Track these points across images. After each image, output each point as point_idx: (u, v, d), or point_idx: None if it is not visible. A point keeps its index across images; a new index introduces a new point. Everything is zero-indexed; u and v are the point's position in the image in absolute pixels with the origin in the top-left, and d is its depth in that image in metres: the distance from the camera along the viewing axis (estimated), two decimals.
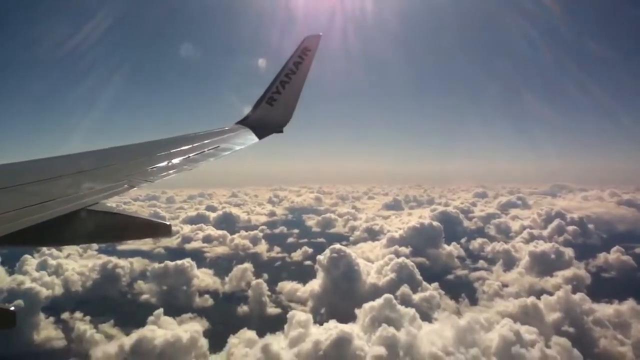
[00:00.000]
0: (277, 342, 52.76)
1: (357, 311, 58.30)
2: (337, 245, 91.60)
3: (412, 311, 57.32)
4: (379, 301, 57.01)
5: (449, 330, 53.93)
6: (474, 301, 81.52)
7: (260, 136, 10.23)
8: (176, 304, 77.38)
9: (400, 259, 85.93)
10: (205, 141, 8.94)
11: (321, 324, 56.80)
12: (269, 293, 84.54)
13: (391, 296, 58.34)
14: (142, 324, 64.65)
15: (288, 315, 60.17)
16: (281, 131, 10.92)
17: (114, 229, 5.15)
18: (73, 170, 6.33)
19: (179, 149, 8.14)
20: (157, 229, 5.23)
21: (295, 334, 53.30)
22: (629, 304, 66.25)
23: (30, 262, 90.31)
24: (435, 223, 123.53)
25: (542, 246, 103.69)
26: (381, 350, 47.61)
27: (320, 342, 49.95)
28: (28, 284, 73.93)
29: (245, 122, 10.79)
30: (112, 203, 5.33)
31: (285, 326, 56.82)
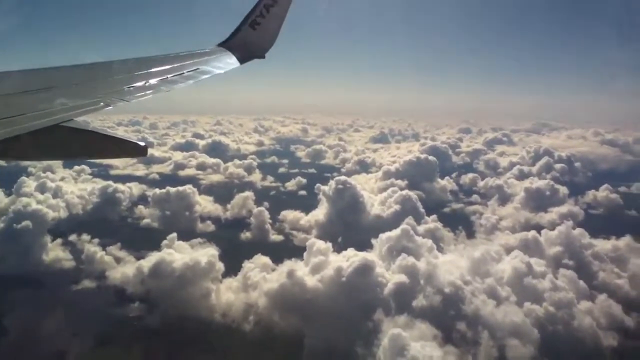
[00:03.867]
0: (297, 268, 53.78)
1: (373, 241, 59.55)
2: (342, 177, 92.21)
3: (429, 242, 58.94)
4: (395, 231, 58.35)
5: (463, 261, 55.85)
6: (471, 234, 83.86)
7: (241, 61, 9.99)
8: (178, 229, 77.52)
9: (404, 192, 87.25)
10: (185, 62, 8.68)
11: (338, 252, 58.06)
12: (270, 221, 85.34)
13: (408, 227, 59.66)
14: (148, 247, 65.32)
15: (307, 244, 61.16)
16: (263, 57, 10.66)
17: (89, 146, 5.14)
18: (47, 85, 6.18)
19: (157, 69, 7.95)
20: (133, 149, 5.21)
21: (317, 260, 54.49)
22: (625, 240, 69.19)
23: (29, 184, 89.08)
24: (430, 157, 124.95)
25: (537, 183, 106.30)
26: (402, 278, 49.19)
27: (343, 268, 51.22)
28: (34, 205, 72.91)
29: (227, 45, 10.41)
30: (97, 124, 5.28)
31: (305, 254, 57.92)
